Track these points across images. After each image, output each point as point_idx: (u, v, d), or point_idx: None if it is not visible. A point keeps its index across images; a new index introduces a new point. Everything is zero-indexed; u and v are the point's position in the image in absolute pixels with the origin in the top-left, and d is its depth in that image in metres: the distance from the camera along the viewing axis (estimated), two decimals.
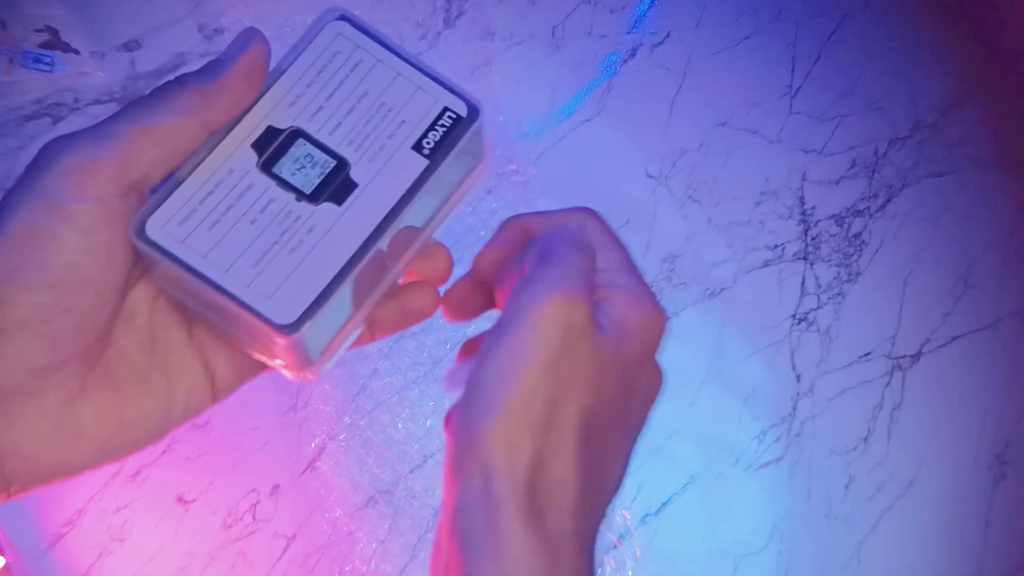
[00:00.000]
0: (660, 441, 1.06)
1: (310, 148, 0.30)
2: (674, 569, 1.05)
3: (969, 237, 1.25)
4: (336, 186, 0.30)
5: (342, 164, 0.30)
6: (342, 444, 0.96)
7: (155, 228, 0.28)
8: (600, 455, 0.29)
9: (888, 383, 1.19)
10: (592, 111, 1.14)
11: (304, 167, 0.30)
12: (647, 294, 0.31)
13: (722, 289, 1.14)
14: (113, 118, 0.28)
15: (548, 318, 0.27)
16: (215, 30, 1.02)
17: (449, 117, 0.31)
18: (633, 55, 1.17)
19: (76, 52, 0.96)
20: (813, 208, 1.20)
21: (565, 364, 0.27)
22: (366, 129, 0.30)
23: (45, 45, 0.95)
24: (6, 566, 0.81)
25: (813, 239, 1.19)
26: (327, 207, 0.29)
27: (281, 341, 0.28)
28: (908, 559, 1.17)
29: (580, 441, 0.28)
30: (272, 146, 0.30)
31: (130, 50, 0.99)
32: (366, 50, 0.31)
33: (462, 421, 0.28)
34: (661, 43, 1.19)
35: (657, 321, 0.30)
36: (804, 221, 1.19)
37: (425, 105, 0.31)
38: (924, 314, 1.22)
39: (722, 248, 1.15)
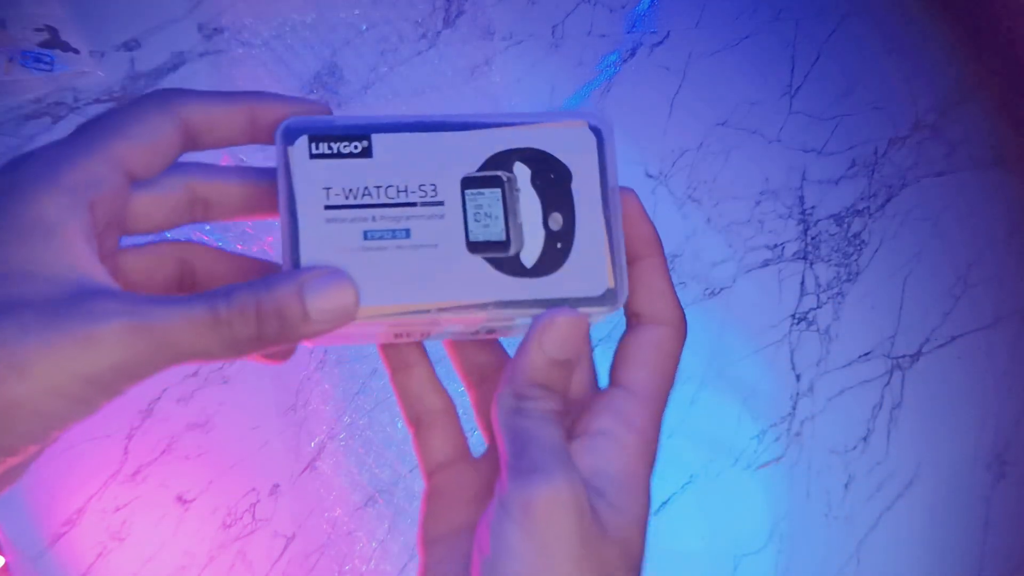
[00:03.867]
0: (660, 440, 1.06)
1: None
2: (674, 569, 1.05)
3: (969, 237, 1.25)
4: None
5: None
6: (342, 444, 0.96)
7: None
8: None
9: (888, 383, 1.19)
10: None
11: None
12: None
13: (722, 289, 1.14)
14: None
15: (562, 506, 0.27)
16: (215, 29, 1.02)
17: None
18: (633, 54, 1.17)
19: (76, 51, 0.96)
20: (813, 208, 1.20)
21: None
22: None
23: (45, 44, 0.95)
24: (6, 565, 0.81)
25: (813, 239, 1.19)
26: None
27: None
28: (907, 559, 1.17)
29: None
30: None
31: (130, 49, 0.99)
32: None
33: None
34: (661, 43, 1.19)
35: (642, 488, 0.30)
36: (804, 221, 1.19)
37: None
38: (924, 314, 1.22)
39: (722, 248, 1.15)
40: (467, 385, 0.34)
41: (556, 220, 0.29)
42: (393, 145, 0.28)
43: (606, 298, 0.30)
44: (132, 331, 0.24)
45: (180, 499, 0.90)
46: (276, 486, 0.93)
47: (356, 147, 0.28)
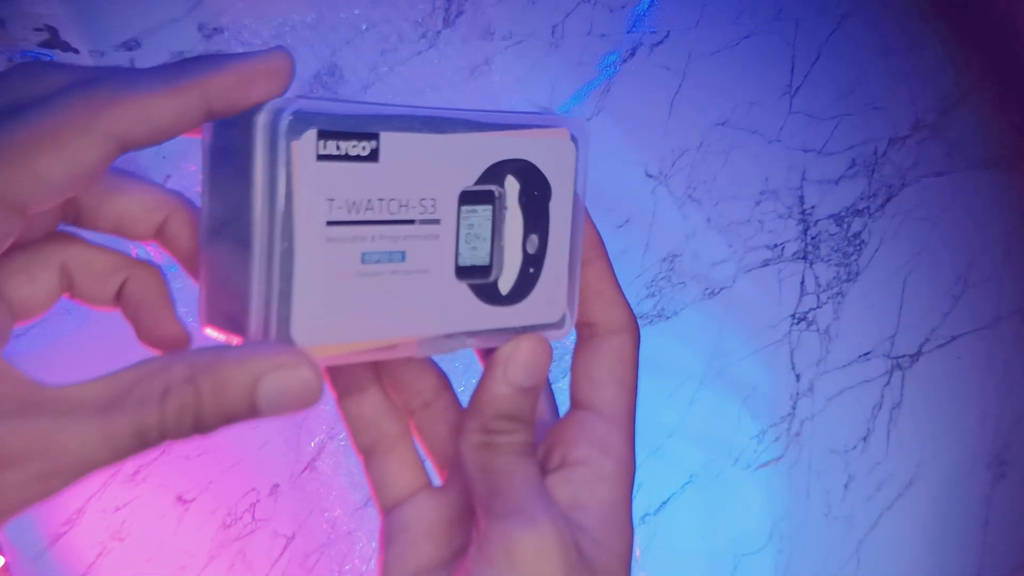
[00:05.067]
0: (659, 440, 1.06)
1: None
2: (673, 568, 1.05)
3: (969, 237, 1.25)
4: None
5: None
6: (342, 443, 0.96)
7: None
8: None
9: (887, 383, 1.19)
10: (592, 110, 1.14)
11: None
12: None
13: (721, 288, 1.14)
14: None
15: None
16: (215, 29, 1.01)
17: None
18: (633, 54, 1.17)
19: (75, 51, 0.96)
20: (812, 207, 1.20)
21: None
22: None
23: (44, 44, 0.95)
24: (6, 565, 0.81)
25: (812, 239, 1.19)
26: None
27: None
28: (907, 558, 1.17)
29: None
30: None
31: (129, 49, 0.99)
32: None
33: None
34: (661, 42, 1.19)
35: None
36: (804, 220, 1.19)
37: None
38: (923, 313, 1.22)
39: (722, 247, 1.15)
40: (406, 412, 0.31)
41: (532, 243, 0.28)
42: (400, 147, 0.25)
43: (559, 323, 0.29)
44: (42, 477, 0.20)
45: (180, 499, 0.90)
46: (276, 486, 0.93)
47: (364, 148, 0.24)
